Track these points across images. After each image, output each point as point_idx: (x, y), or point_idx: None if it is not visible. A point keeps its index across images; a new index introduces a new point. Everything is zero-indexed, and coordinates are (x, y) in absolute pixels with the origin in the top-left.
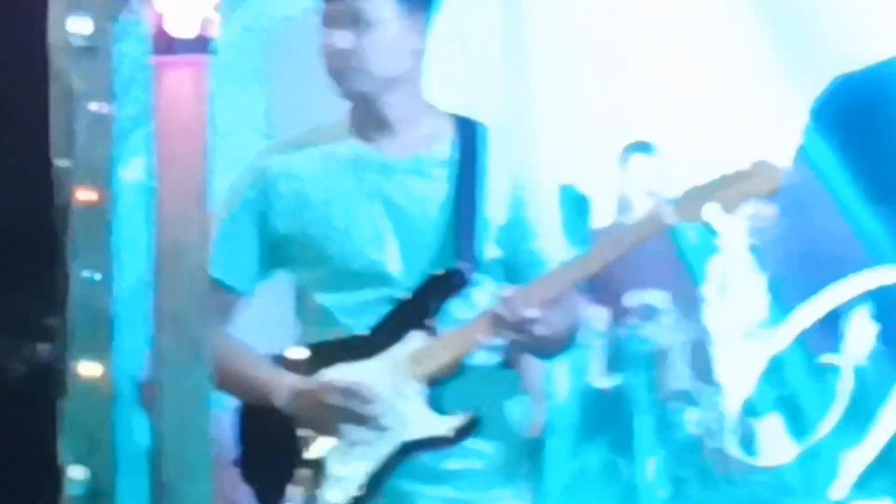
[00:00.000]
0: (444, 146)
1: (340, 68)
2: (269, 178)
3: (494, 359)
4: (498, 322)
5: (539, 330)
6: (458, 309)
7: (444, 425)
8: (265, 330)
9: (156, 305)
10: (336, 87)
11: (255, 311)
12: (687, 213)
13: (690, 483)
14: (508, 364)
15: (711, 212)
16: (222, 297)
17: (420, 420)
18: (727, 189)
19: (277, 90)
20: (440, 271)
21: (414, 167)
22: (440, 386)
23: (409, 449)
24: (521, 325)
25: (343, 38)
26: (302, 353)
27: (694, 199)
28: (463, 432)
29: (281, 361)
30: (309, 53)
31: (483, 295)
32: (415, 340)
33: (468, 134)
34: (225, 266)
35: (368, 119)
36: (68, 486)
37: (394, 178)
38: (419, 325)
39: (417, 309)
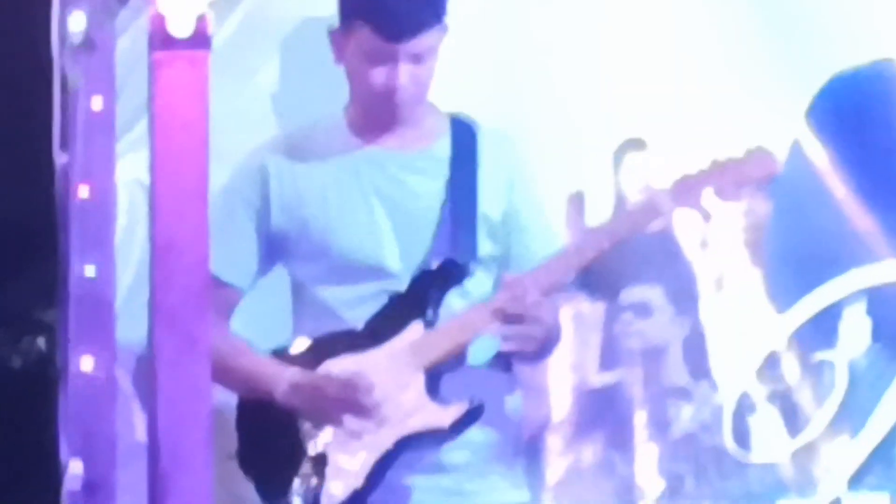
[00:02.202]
0: (441, 143)
1: (394, 102)
2: (266, 173)
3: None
4: (498, 308)
5: (538, 317)
6: (455, 301)
7: (445, 415)
8: (263, 324)
9: (153, 301)
10: (387, 118)
11: (253, 305)
12: (682, 199)
13: (685, 478)
14: (504, 367)
15: (708, 198)
16: (220, 292)
17: (420, 410)
18: (722, 175)
19: (276, 86)
20: (438, 263)
21: (411, 163)
22: (440, 376)
23: (410, 440)
24: (521, 311)
25: (404, 77)
26: (304, 345)
27: (689, 186)
28: (463, 422)
29: (280, 355)
30: (308, 51)
31: (479, 287)
32: (413, 331)
33: (463, 132)
34: (223, 262)
35: (371, 117)
36: (67, 479)
37: (391, 173)
38: (418, 316)
39: (416, 300)
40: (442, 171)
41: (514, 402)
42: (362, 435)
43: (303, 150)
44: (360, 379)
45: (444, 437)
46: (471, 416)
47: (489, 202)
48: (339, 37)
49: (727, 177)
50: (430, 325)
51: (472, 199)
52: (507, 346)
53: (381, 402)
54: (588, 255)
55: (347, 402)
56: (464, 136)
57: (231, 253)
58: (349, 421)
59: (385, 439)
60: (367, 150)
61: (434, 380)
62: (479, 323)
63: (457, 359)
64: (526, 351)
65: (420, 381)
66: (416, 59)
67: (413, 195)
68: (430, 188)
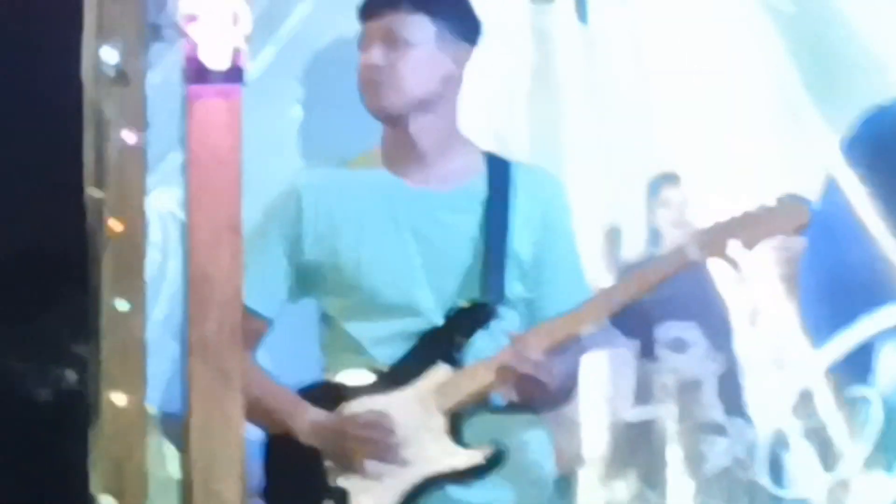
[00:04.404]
0: (476, 181)
1: (371, 83)
2: (300, 204)
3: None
4: (502, 364)
5: (543, 376)
6: (483, 343)
7: (469, 458)
8: (289, 358)
9: (186, 334)
10: (366, 104)
11: (279, 338)
12: (711, 249)
13: None
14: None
15: (735, 249)
16: (250, 323)
17: (444, 453)
18: (751, 226)
19: (312, 116)
20: (467, 304)
21: (445, 200)
22: (463, 418)
23: (433, 482)
24: (523, 370)
25: (377, 55)
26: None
27: (718, 235)
28: (487, 465)
29: (306, 393)
30: (344, 81)
31: (508, 329)
32: (439, 373)
33: (498, 169)
34: (252, 291)
35: (400, 146)
36: None
37: (425, 210)
38: (444, 357)
39: (443, 341)
40: (476, 210)
41: (538, 442)
42: (384, 476)
43: (338, 183)
44: (384, 420)
45: (467, 480)
46: (494, 460)
47: (520, 242)
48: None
49: (757, 229)
50: (455, 366)
51: (503, 238)
52: (507, 399)
53: (404, 444)
54: (615, 305)
55: (371, 444)
56: (498, 174)
57: (261, 283)
58: (371, 462)
59: (406, 481)
60: (401, 185)
61: (457, 422)
62: (493, 375)
63: (481, 402)
64: (527, 405)
65: (443, 422)
66: (390, 40)
67: (446, 233)
68: (464, 226)
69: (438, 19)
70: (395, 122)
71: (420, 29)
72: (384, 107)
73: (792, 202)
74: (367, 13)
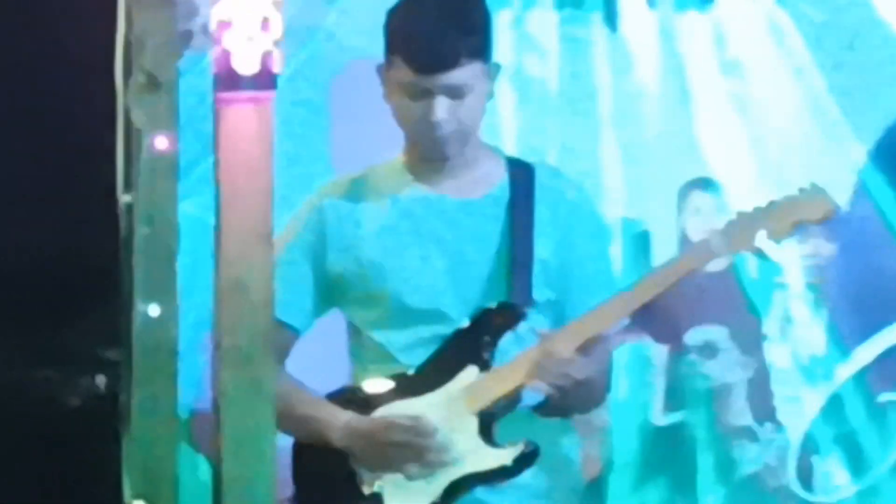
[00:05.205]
0: (499, 186)
1: (433, 138)
2: (325, 215)
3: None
4: (535, 365)
5: (576, 374)
6: (510, 345)
7: (500, 458)
8: (318, 367)
9: (217, 342)
10: (423, 151)
11: (308, 347)
12: (737, 242)
13: None
14: (552, 413)
15: (762, 240)
16: (278, 334)
17: (476, 454)
18: (777, 216)
19: (339, 125)
20: (493, 306)
21: (469, 207)
22: (493, 419)
23: (466, 483)
24: (553, 368)
25: (441, 111)
26: (382, 386)
27: (743, 227)
28: (519, 465)
29: (335, 398)
30: (370, 91)
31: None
32: (469, 375)
33: (521, 174)
34: (281, 303)
35: (428, 160)
36: None
37: (449, 217)
38: (473, 359)
39: (472, 343)
40: (499, 215)
41: (569, 445)
42: (418, 479)
43: (361, 192)
44: (418, 422)
45: (498, 481)
46: (525, 460)
47: (545, 245)
48: (383, 72)
49: (783, 218)
50: (484, 368)
51: (528, 242)
52: (543, 392)
53: (438, 446)
54: (642, 299)
55: (405, 447)
56: (522, 179)
57: (288, 293)
58: (405, 465)
59: (439, 483)
60: (425, 194)
61: (487, 423)
62: (526, 376)
63: (511, 402)
64: (559, 405)
65: (474, 424)
66: (453, 93)
67: (470, 239)
68: (487, 232)
69: (485, 56)
70: (442, 153)
71: (475, 74)
72: (448, 155)
73: (816, 191)
74: (425, 70)
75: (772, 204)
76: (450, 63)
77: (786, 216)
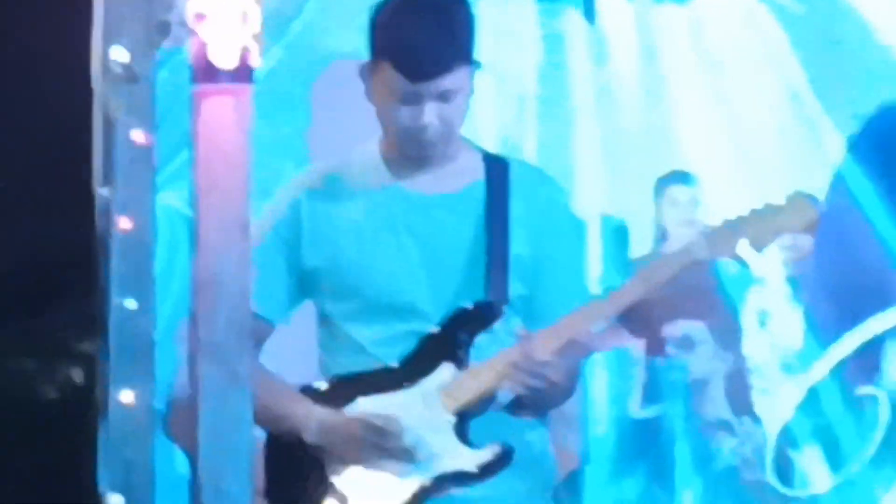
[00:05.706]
0: (474, 181)
1: (421, 141)
2: (299, 207)
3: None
4: (510, 362)
5: (552, 375)
6: (486, 343)
7: (475, 458)
8: (290, 360)
9: (194, 335)
10: (406, 150)
11: (280, 340)
12: (719, 248)
13: None
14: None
15: (743, 248)
16: (253, 326)
17: (451, 452)
18: (760, 224)
19: (314, 118)
20: (470, 304)
21: (444, 202)
22: (469, 418)
23: (440, 482)
24: (530, 368)
25: (430, 115)
26: (331, 384)
27: (726, 234)
28: (494, 465)
29: (310, 392)
30: (347, 85)
31: (510, 329)
32: (445, 372)
33: (497, 169)
34: (255, 295)
35: (408, 157)
36: None
37: (425, 212)
38: (449, 357)
39: (448, 341)
40: (475, 210)
41: (541, 442)
42: (390, 476)
43: (337, 185)
44: (391, 420)
45: (473, 481)
46: (501, 460)
47: (520, 241)
48: (368, 73)
49: (765, 227)
50: (460, 366)
51: (503, 238)
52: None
53: (412, 444)
54: (623, 303)
55: (378, 444)
56: (497, 174)
57: (263, 285)
58: (377, 462)
59: (415, 481)
60: (400, 188)
61: (463, 422)
62: (501, 375)
63: (486, 401)
64: (529, 406)
65: (449, 422)
66: (443, 97)
67: (445, 234)
68: (463, 227)
69: (472, 60)
70: (422, 151)
71: (463, 77)
72: (432, 157)
73: (800, 200)
74: (418, 77)
75: (755, 212)
76: (440, 70)
77: (769, 225)
